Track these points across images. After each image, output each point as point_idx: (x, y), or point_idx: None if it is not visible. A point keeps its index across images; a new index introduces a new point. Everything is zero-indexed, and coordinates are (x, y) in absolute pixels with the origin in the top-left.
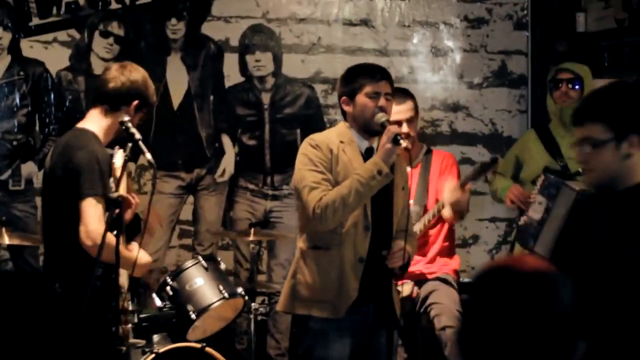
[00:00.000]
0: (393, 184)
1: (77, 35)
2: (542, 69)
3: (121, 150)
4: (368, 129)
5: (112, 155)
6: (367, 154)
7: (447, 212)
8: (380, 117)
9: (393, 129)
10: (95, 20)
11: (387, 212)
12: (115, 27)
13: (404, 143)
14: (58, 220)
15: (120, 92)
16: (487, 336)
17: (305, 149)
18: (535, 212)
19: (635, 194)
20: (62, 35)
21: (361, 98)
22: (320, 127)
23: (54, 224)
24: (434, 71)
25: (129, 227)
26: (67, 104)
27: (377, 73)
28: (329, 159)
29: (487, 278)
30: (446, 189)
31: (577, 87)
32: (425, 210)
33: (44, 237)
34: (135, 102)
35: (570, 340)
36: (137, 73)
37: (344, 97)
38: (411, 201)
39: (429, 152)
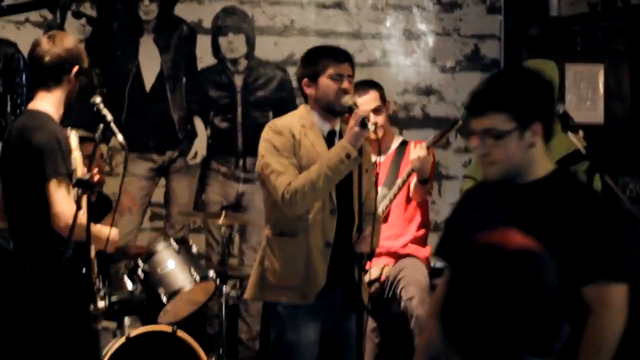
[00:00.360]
0: (360, 167)
1: (50, 16)
2: (515, 53)
3: (74, 131)
4: (331, 110)
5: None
6: (329, 137)
7: (412, 185)
8: (347, 100)
9: (361, 112)
10: (67, 1)
11: (351, 195)
12: (87, 8)
13: (371, 126)
14: (23, 204)
15: (59, 64)
16: (471, 313)
17: (268, 135)
18: None
19: (537, 188)
20: (34, 16)
21: (324, 80)
22: (293, 109)
23: (19, 207)
24: (407, 54)
25: (98, 208)
26: None
27: (340, 55)
28: (292, 144)
29: (473, 254)
30: (412, 153)
31: None
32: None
33: (10, 221)
34: (76, 68)
35: (555, 321)
36: (68, 40)
37: (305, 79)
38: (380, 187)
39: (404, 143)
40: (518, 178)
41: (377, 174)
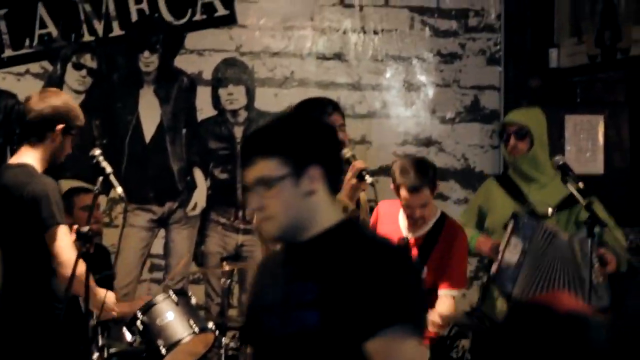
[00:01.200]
0: (357, 219)
1: (50, 67)
2: (514, 104)
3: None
4: None
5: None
6: None
7: None
8: (346, 152)
9: (358, 164)
10: (68, 52)
11: None
12: (88, 60)
13: (369, 179)
14: (15, 261)
15: (42, 120)
16: None
17: None
18: (511, 255)
19: (319, 242)
20: (34, 67)
21: None
22: None
23: (10, 264)
24: (407, 106)
25: (96, 260)
26: None
27: (327, 106)
28: None
29: (523, 314)
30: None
31: (524, 138)
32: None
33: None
34: (60, 126)
35: None
36: (58, 97)
37: None
38: None
39: (442, 218)
40: (300, 233)
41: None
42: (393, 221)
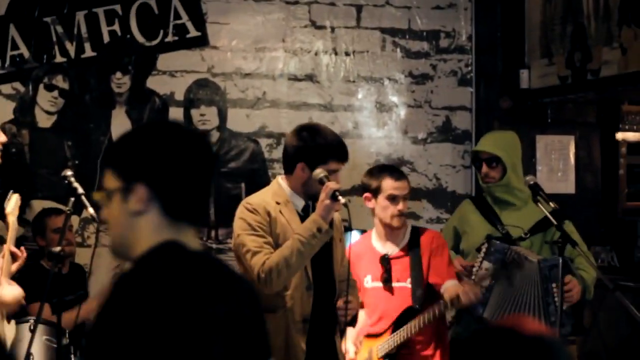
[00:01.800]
0: (331, 240)
1: (22, 88)
2: (486, 125)
3: (16, 195)
4: (313, 197)
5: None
6: (304, 212)
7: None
8: (318, 173)
9: (331, 185)
10: (40, 74)
11: (327, 268)
12: (60, 81)
13: (342, 199)
14: None
15: None
16: None
17: (243, 213)
18: (481, 279)
19: (129, 272)
20: (6, 88)
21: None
22: (265, 181)
23: None
24: (379, 126)
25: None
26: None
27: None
28: (268, 222)
29: (487, 338)
30: (446, 293)
31: (496, 165)
32: (424, 292)
33: None
34: None
35: None
36: None
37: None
38: (404, 284)
39: (415, 231)
40: (128, 253)
41: (390, 269)
42: (367, 250)
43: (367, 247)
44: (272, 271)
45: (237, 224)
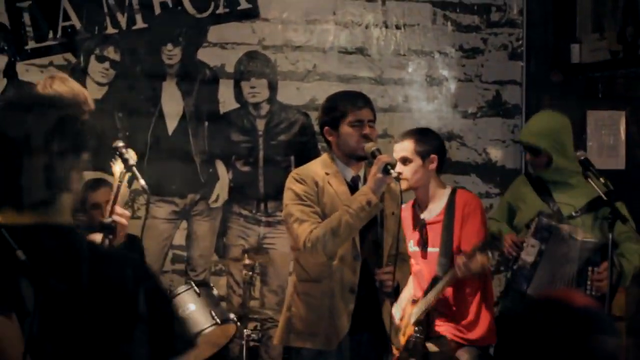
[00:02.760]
0: (383, 212)
1: (73, 60)
2: (536, 99)
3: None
4: (354, 156)
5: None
6: (353, 183)
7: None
8: (370, 146)
9: (383, 158)
10: (91, 45)
11: (376, 240)
12: (111, 52)
13: (394, 172)
14: None
15: None
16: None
17: (291, 183)
18: (528, 255)
19: None
20: (58, 59)
21: (344, 127)
22: (314, 154)
23: None
24: (429, 100)
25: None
26: None
27: (358, 100)
28: (315, 192)
29: (541, 308)
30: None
31: (540, 155)
32: (451, 261)
33: None
34: None
35: None
36: (62, 85)
37: (326, 127)
38: (437, 249)
39: (453, 192)
40: None
41: (427, 234)
42: (408, 215)
43: (407, 214)
44: (318, 240)
45: (286, 195)
